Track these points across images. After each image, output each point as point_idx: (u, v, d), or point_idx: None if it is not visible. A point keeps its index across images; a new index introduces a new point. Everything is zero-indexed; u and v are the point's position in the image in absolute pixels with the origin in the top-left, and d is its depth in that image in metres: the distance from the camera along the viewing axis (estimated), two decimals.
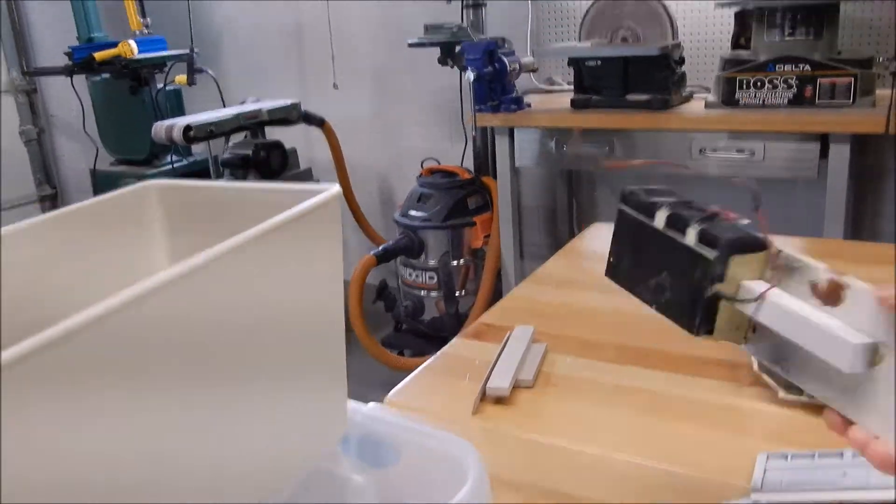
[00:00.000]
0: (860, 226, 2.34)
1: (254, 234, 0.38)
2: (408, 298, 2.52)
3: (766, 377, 0.73)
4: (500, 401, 0.77)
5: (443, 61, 2.44)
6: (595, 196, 2.77)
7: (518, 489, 0.62)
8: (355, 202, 2.85)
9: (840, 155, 1.92)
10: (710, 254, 0.45)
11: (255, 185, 0.48)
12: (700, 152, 2.08)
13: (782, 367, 0.46)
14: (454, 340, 0.94)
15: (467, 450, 0.46)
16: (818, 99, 1.95)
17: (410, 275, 2.49)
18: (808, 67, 1.94)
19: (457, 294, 2.46)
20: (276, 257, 0.41)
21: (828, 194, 1.97)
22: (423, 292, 2.48)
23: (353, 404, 0.53)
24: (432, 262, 2.43)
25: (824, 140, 1.93)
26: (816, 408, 0.65)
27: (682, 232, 0.47)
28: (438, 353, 0.91)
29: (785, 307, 0.43)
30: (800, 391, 0.67)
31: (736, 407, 0.72)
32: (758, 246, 0.45)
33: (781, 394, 0.71)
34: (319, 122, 2.72)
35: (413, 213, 2.45)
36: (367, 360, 2.30)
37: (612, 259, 0.53)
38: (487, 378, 0.79)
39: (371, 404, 0.57)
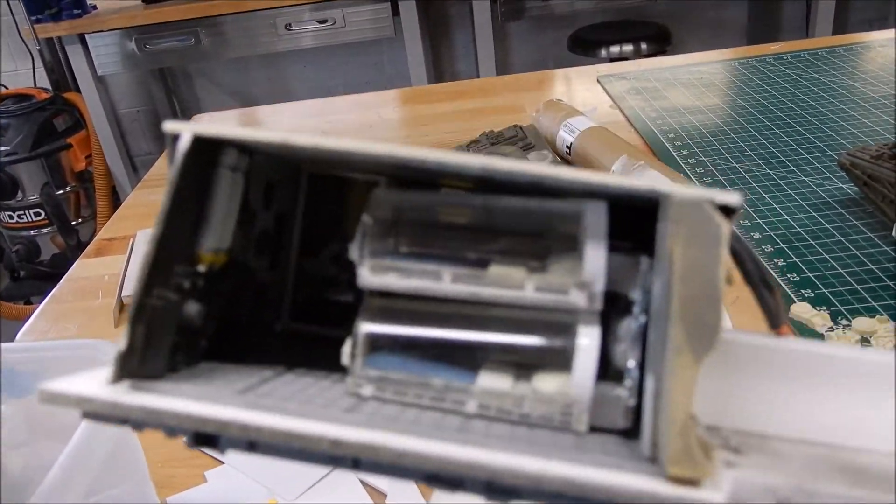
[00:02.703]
0: (440, 70, 2.60)
1: None
2: (16, 243, 2.25)
3: None
4: None
5: None
6: (194, 87, 2.69)
7: None
8: None
9: (409, 11, 2.09)
10: None
11: None
12: (286, 27, 2.12)
13: None
14: (75, 264, 0.90)
15: (105, 345, 0.46)
16: None
17: (11, 217, 2.22)
18: None
19: (73, 224, 2.26)
20: None
21: (407, 47, 2.15)
22: (33, 232, 2.24)
23: None
24: (33, 198, 2.19)
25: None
26: None
27: None
28: (60, 281, 0.86)
29: None
30: None
31: None
32: None
33: None
34: None
35: None
36: None
37: None
38: (121, 287, 0.78)
39: None
